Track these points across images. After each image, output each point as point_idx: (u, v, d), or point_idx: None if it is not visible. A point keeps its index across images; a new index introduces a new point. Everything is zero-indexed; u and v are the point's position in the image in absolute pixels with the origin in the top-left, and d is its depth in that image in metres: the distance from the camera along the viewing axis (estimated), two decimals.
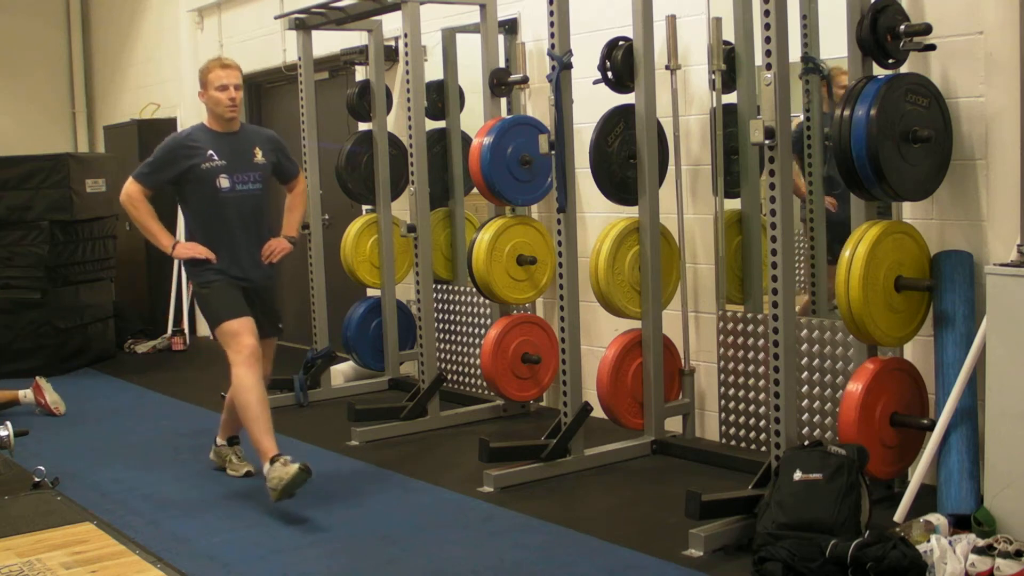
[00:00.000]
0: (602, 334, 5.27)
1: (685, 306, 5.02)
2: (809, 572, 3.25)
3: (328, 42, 6.71)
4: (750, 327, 4.64)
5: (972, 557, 3.27)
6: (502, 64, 5.74)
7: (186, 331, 8.69)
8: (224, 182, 4.53)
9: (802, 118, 4.46)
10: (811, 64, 4.28)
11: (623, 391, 4.78)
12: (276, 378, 6.34)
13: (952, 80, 3.93)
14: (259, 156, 4.65)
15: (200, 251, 4.53)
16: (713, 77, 4.68)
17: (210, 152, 4.53)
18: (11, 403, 6.24)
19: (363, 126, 6.59)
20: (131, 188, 4.61)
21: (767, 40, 3.65)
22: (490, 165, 5.26)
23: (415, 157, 5.50)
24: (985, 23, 3.82)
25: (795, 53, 4.04)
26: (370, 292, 6.81)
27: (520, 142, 5.32)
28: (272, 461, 4.17)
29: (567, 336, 4.63)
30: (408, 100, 5.48)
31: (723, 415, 4.78)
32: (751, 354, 4.64)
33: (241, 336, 4.42)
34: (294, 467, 4.08)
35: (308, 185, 4.95)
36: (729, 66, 4.70)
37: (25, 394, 6.29)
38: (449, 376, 6.17)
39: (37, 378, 6.34)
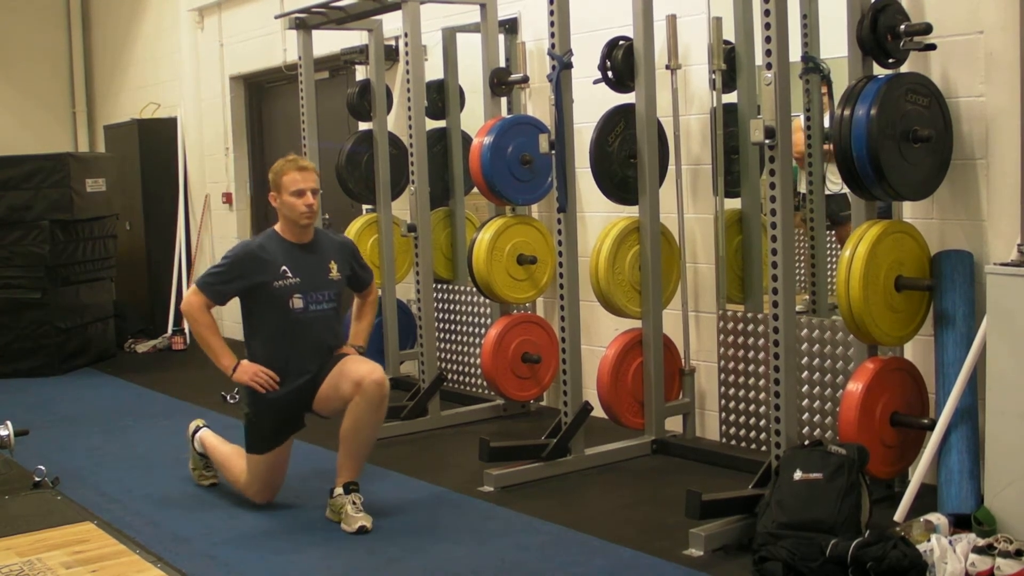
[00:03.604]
0: (602, 334, 5.27)
1: (685, 306, 5.02)
2: (809, 572, 3.25)
3: (328, 42, 6.70)
4: (750, 327, 4.64)
5: (972, 557, 3.27)
6: (502, 64, 5.75)
7: (186, 331, 8.69)
8: (298, 302, 4.16)
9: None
10: (811, 64, 4.28)
11: (623, 391, 4.78)
12: None
13: (952, 80, 3.93)
14: (335, 271, 4.28)
15: (261, 380, 4.12)
16: (713, 77, 4.68)
17: (284, 268, 4.16)
18: None
19: (363, 126, 6.59)
20: (193, 299, 4.20)
21: (767, 40, 3.65)
22: (490, 165, 5.26)
23: (415, 157, 5.50)
24: (985, 23, 3.82)
25: (795, 53, 4.04)
26: None
27: (520, 142, 5.32)
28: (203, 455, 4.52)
29: (567, 336, 4.63)
30: (408, 100, 5.48)
31: (723, 415, 4.78)
32: (751, 354, 4.64)
33: (260, 474, 4.26)
34: (206, 481, 4.40)
35: (378, 294, 4.67)
36: (729, 66, 4.70)
37: None
38: (449, 376, 6.17)
39: None
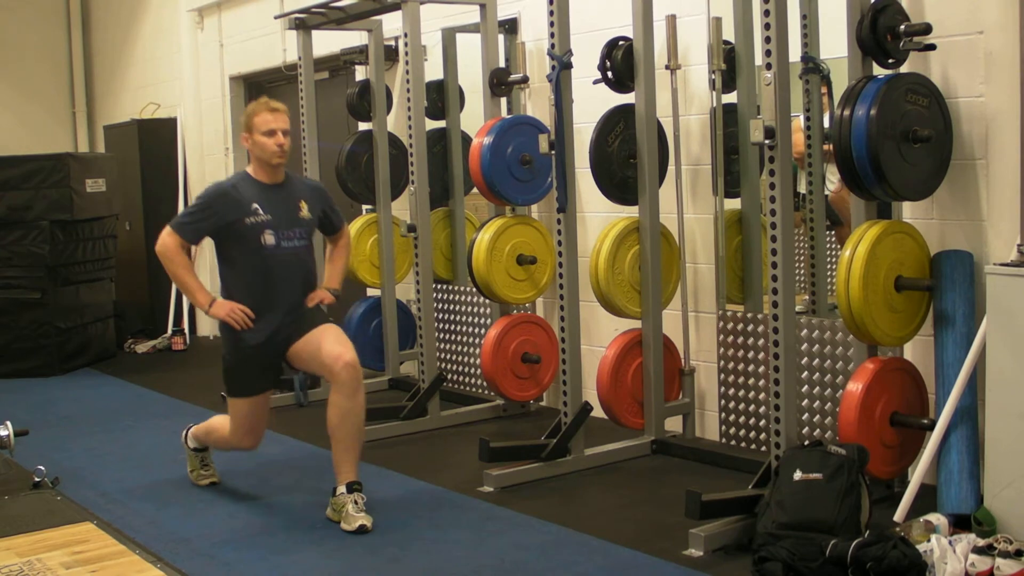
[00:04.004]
0: (602, 334, 5.27)
1: (685, 306, 5.02)
2: (809, 572, 3.25)
3: (328, 42, 6.70)
4: (750, 327, 4.64)
5: (972, 557, 3.27)
6: (502, 64, 5.74)
7: (186, 331, 8.69)
8: (269, 239, 4.23)
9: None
10: (811, 64, 4.28)
11: (623, 391, 4.78)
12: None
13: (952, 80, 3.93)
14: (305, 210, 4.35)
15: (237, 316, 4.19)
16: (713, 77, 4.68)
17: (255, 205, 4.22)
18: None
19: (363, 126, 6.59)
20: (167, 239, 4.23)
21: (767, 40, 3.65)
22: (490, 165, 5.26)
23: (415, 157, 5.50)
24: (985, 23, 3.82)
25: (795, 53, 4.04)
26: (370, 292, 6.81)
27: (520, 142, 5.32)
28: (198, 450, 4.65)
29: (567, 336, 4.63)
30: (408, 100, 5.48)
31: (723, 415, 4.78)
32: (751, 354, 4.64)
33: (242, 419, 4.35)
34: (205, 480, 4.51)
35: (351, 237, 4.77)
36: (729, 66, 4.70)
37: None
38: (449, 376, 6.17)
39: None
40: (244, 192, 4.26)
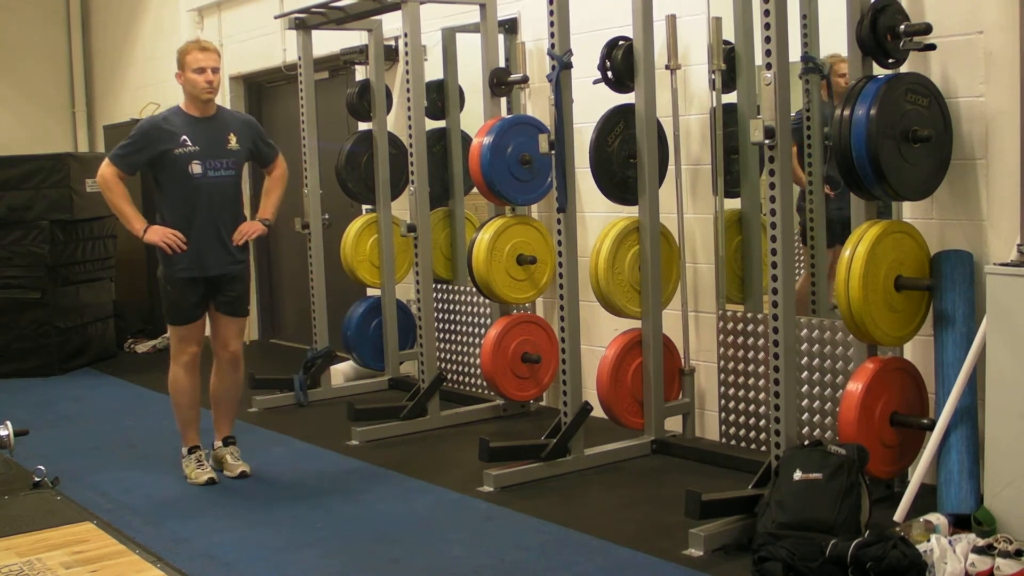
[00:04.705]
0: (602, 334, 5.27)
1: (685, 306, 5.02)
2: (809, 572, 3.25)
3: (328, 42, 6.70)
4: (750, 327, 4.64)
5: (972, 557, 3.27)
6: (502, 64, 5.74)
7: None
8: (196, 168, 4.54)
9: (802, 111, 4.46)
10: (811, 64, 4.28)
11: (623, 391, 4.78)
12: (276, 378, 6.36)
13: (952, 80, 3.93)
14: (233, 142, 4.65)
15: (169, 240, 4.52)
16: (713, 77, 4.68)
17: (184, 137, 4.54)
18: None
19: (363, 126, 6.59)
20: (106, 170, 4.58)
21: (767, 40, 3.65)
22: (490, 165, 5.26)
23: (415, 157, 5.50)
24: (985, 23, 3.82)
25: (795, 53, 4.04)
26: (370, 292, 6.81)
27: (520, 142, 5.32)
28: (191, 451, 4.78)
29: (567, 336, 4.63)
30: (408, 100, 5.48)
31: (723, 415, 4.78)
32: (751, 354, 4.64)
33: (185, 344, 4.72)
34: (203, 478, 4.66)
35: (286, 169, 4.95)
36: (729, 66, 4.70)
37: None
38: (449, 376, 6.17)
39: None
40: (174, 125, 4.58)
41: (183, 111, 4.64)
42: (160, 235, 4.54)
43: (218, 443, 4.89)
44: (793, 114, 4.05)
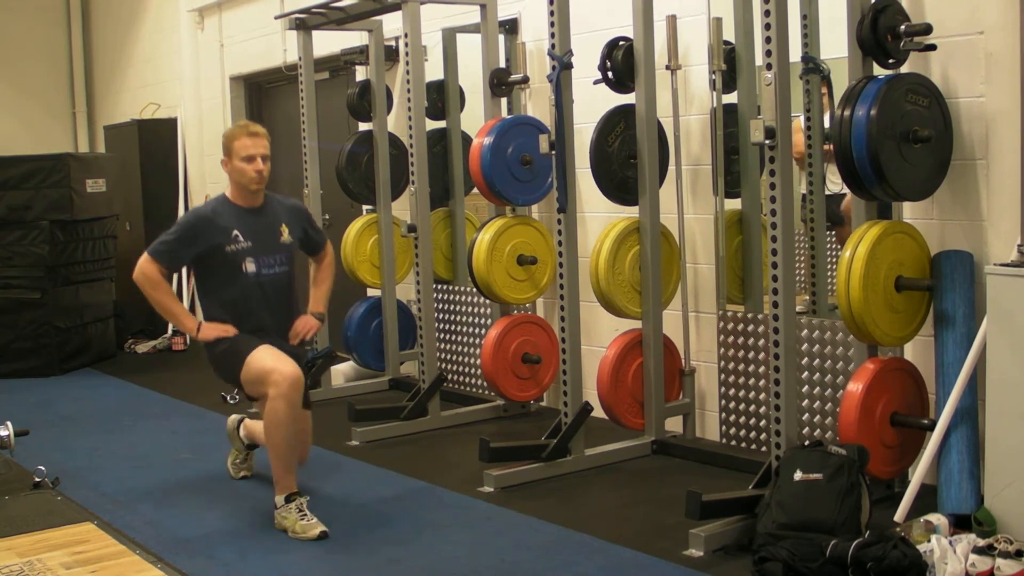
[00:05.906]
0: (602, 334, 5.27)
1: (685, 306, 5.02)
2: (809, 572, 3.25)
3: (328, 42, 6.70)
4: (750, 327, 4.64)
5: (972, 557, 3.28)
6: (502, 64, 5.74)
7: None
8: (251, 267, 4.20)
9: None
10: (811, 64, 4.28)
11: (623, 391, 4.78)
12: None
13: (952, 80, 3.93)
14: (286, 235, 4.32)
15: (229, 330, 4.17)
16: (713, 77, 4.68)
17: (236, 232, 4.18)
18: None
19: (363, 126, 6.59)
20: (147, 266, 4.20)
21: (767, 40, 3.65)
22: (490, 165, 5.26)
23: (415, 157, 5.50)
24: (985, 23, 3.82)
25: (795, 53, 4.04)
26: (370, 292, 6.81)
27: (520, 142, 5.32)
28: (288, 499, 4.00)
29: (567, 336, 4.63)
30: (408, 100, 5.48)
31: (723, 415, 4.78)
32: (751, 354, 4.64)
33: (275, 369, 4.00)
34: (314, 531, 3.89)
35: (333, 256, 4.66)
36: (729, 66, 4.70)
37: None
38: (449, 376, 6.17)
39: None
40: (224, 218, 4.20)
41: (230, 201, 4.25)
42: (217, 331, 4.17)
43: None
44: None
